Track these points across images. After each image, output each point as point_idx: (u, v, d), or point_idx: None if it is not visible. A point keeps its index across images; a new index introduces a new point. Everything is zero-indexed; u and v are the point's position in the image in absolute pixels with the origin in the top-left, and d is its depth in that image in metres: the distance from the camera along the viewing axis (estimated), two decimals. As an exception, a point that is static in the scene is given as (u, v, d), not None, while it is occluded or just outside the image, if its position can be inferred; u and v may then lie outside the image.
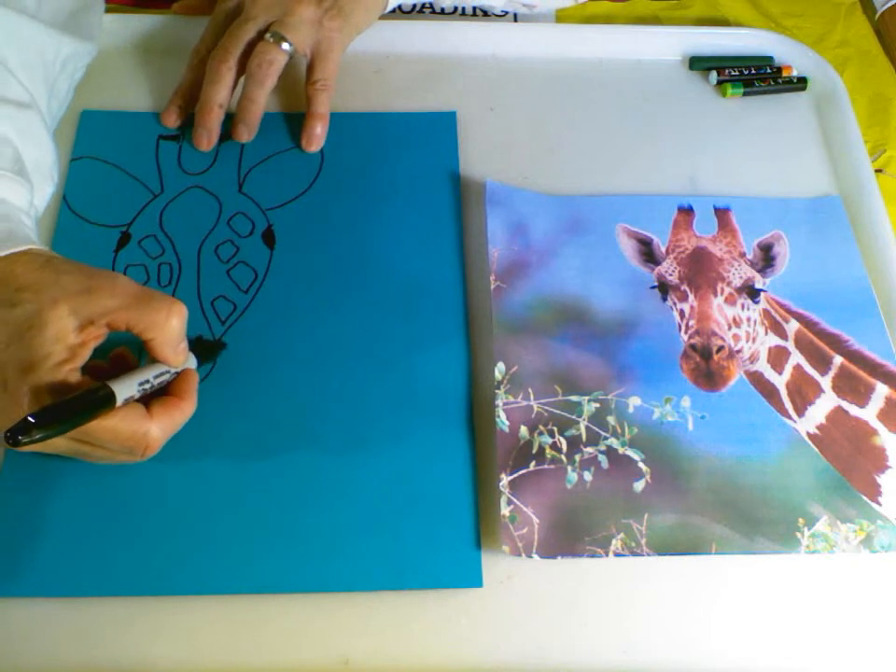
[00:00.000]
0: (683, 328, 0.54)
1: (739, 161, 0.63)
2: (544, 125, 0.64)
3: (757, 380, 0.53)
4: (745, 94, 0.66)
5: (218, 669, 0.43)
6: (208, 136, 0.59)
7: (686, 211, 0.59)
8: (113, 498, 0.46)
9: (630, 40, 0.68)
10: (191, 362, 0.46)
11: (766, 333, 0.54)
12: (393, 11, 0.64)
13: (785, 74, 0.67)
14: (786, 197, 0.61)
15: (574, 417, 0.50)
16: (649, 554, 0.46)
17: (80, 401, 0.39)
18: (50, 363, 0.40)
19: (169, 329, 0.43)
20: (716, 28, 0.72)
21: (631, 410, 0.51)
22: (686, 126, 0.65)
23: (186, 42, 0.61)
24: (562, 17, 0.72)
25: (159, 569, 0.45)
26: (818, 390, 0.52)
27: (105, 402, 0.40)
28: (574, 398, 0.51)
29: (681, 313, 0.55)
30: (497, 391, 0.50)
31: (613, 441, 0.50)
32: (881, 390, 0.52)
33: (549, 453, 0.49)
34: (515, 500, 0.47)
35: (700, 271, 0.56)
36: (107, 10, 0.63)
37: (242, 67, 0.58)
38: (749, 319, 0.54)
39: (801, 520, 0.48)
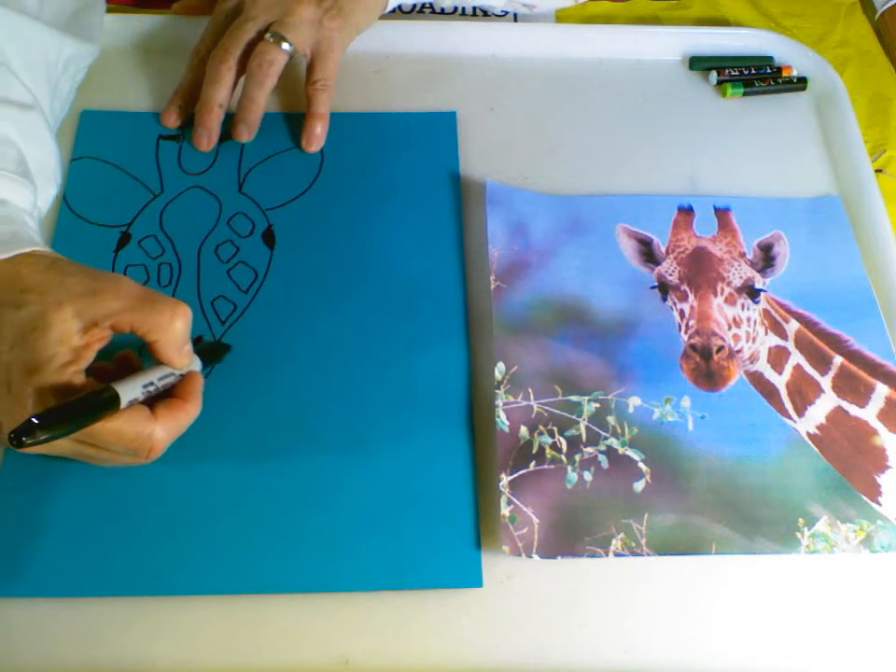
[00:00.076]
0: (683, 328, 0.54)
1: (739, 161, 0.63)
2: (544, 125, 0.64)
3: (757, 380, 0.53)
4: (745, 94, 0.66)
5: (218, 669, 0.43)
6: (208, 136, 0.59)
7: (686, 211, 0.59)
8: (113, 498, 0.46)
9: (630, 40, 0.68)
10: (196, 364, 0.46)
11: (766, 333, 0.54)
12: (393, 11, 0.64)
13: (785, 74, 0.67)
14: (786, 197, 0.61)
15: (574, 417, 0.50)
16: (649, 554, 0.46)
17: (84, 403, 0.39)
18: (55, 365, 0.40)
19: (173, 330, 0.43)
20: (716, 28, 0.72)
21: (631, 410, 0.51)
22: (686, 126, 0.65)
23: (186, 42, 0.61)
24: (562, 17, 0.72)
25: (159, 569, 0.45)
26: (818, 390, 0.52)
27: (109, 404, 0.40)
28: (574, 398, 0.51)
29: (681, 313, 0.55)
30: (496, 391, 0.50)
31: (613, 441, 0.50)
32: (881, 390, 0.52)
33: (549, 453, 0.49)
34: (515, 500, 0.47)
35: (700, 271, 0.56)
36: (107, 10, 0.63)
37: (242, 67, 0.58)
38: (748, 319, 0.54)
39: (801, 520, 0.48)
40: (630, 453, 0.49)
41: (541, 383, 0.51)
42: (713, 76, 0.67)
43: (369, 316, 0.53)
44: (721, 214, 0.59)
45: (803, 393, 0.52)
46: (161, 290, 0.53)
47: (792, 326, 0.55)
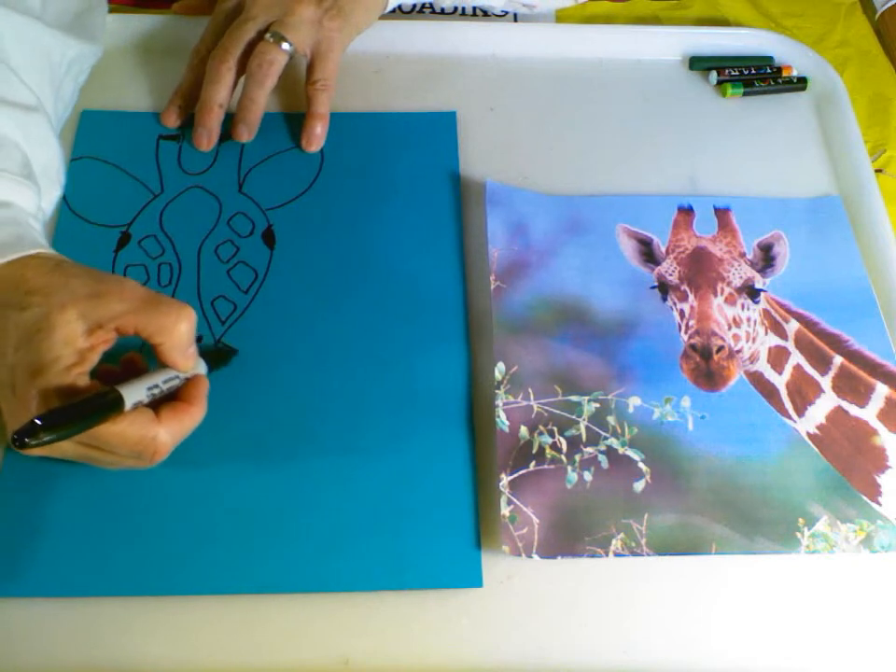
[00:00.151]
0: (683, 328, 0.54)
1: (739, 161, 0.63)
2: (544, 125, 0.64)
3: (757, 380, 0.53)
4: (745, 94, 0.66)
5: (218, 669, 0.43)
6: (208, 136, 0.59)
7: (686, 211, 0.59)
8: (113, 498, 0.46)
9: (630, 40, 0.68)
10: (202, 368, 0.46)
11: (766, 333, 0.54)
12: (393, 11, 0.64)
13: (785, 74, 0.67)
14: (786, 197, 0.61)
15: (574, 417, 0.50)
16: (649, 554, 0.46)
17: (88, 405, 0.39)
18: (59, 367, 0.40)
19: (178, 333, 0.42)
20: (716, 28, 0.72)
21: (631, 410, 0.51)
22: (686, 126, 0.65)
23: (186, 42, 0.61)
24: (562, 17, 0.72)
25: (158, 569, 0.45)
26: (818, 390, 0.52)
27: (113, 406, 0.40)
28: (574, 398, 0.51)
29: (681, 313, 0.55)
30: (496, 391, 0.50)
31: (613, 441, 0.50)
32: (881, 390, 0.52)
33: (549, 453, 0.49)
34: (515, 500, 0.47)
35: (700, 271, 0.56)
36: (108, 10, 0.63)
37: (242, 67, 0.58)
38: (749, 319, 0.54)
39: (801, 520, 0.48)
40: (630, 453, 0.49)
41: (541, 383, 0.51)
42: (713, 76, 0.67)
43: (369, 316, 0.53)
44: (721, 214, 0.59)
45: (803, 393, 0.52)
46: (160, 290, 0.53)
47: (792, 326, 0.55)
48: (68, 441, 0.40)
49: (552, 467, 0.48)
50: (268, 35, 0.57)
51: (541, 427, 0.50)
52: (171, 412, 0.43)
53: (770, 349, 0.54)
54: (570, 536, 0.46)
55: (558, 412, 0.50)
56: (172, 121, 0.60)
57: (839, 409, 0.52)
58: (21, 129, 0.49)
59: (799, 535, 0.47)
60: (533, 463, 0.48)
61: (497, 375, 0.51)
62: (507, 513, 0.47)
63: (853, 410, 0.52)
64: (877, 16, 0.75)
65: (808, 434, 0.51)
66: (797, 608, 0.47)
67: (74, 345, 0.40)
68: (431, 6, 0.71)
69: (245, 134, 0.59)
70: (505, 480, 0.48)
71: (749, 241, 0.58)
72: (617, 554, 0.46)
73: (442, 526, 0.47)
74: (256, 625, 0.44)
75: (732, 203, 0.60)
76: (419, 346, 0.52)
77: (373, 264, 0.55)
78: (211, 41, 0.59)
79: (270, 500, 0.47)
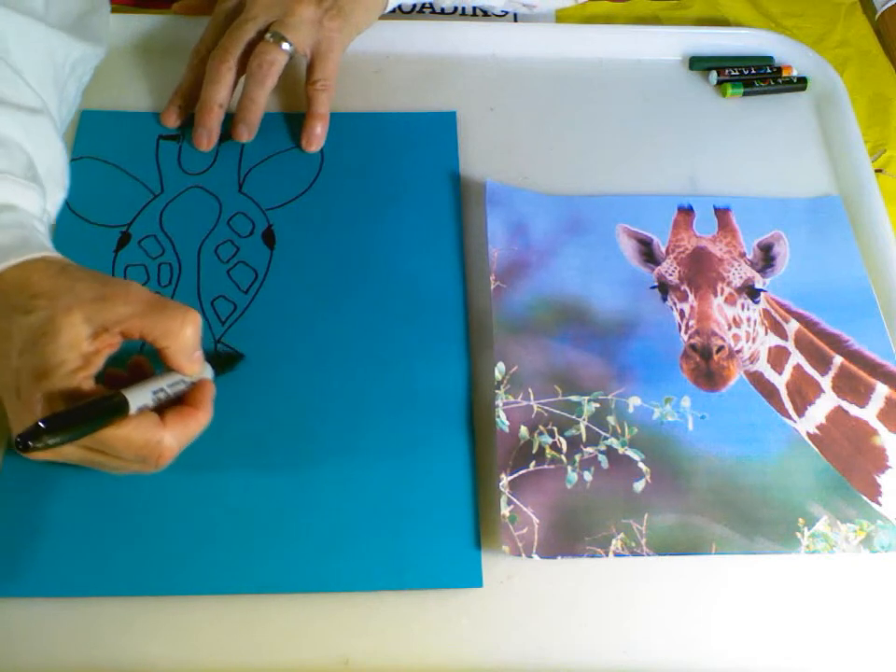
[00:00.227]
0: (683, 328, 0.54)
1: (739, 161, 0.63)
2: (544, 125, 0.64)
3: (757, 380, 0.53)
4: (745, 94, 0.66)
5: (218, 669, 0.43)
6: (208, 136, 0.59)
7: (686, 211, 0.59)
8: (113, 498, 0.46)
9: (630, 40, 0.68)
10: (208, 372, 0.46)
11: (766, 333, 0.54)
12: (393, 11, 0.64)
13: (785, 74, 0.67)
14: (786, 197, 0.61)
15: (574, 417, 0.50)
16: (649, 554, 0.46)
17: (93, 408, 0.39)
18: (64, 370, 0.40)
19: (183, 337, 0.42)
20: (716, 28, 0.72)
21: (631, 410, 0.51)
22: (686, 126, 0.65)
23: (186, 42, 0.61)
24: (562, 17, 0.72)
25: (158, 569, 0.45)
26: (818, 390, 0.52)
27: (117, 410, 0.40)
28: (574, 398, 0.51)
29: (681, 313, 0.55)
30: (497, 391, 0.50)
31: (613, 441, 0.50)
32: (881, 390, 0.52)
33: (549, 453, 0.49)
34: (515, 500, 0.47)
35: (700, 271, 0.56)
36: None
37: (242, 67, 0.58)
38: (749, 319, 0.54)
39: (801, 520, 0.48)
40: (630, 453, 0.49)
41: (541, 383, 0.51)
42: (713, 76, 0.67)
43: (369, 316, 0.53)
44: (721, 214, 0.59)
45: (803, 393, 0.52)
46: (160, 290, 0.53)
47: (792, 326, 0.54)
48: (72, 446, 0.40)
49: (552, 467, 0.48)
50: (268, 35, 0.57)
51: (541, 427, 0.50)
52: (176, 416, 0.43)
53: (770, 349, 0.54)
54: (570, 536, 0.46)
55: (558, 412, 0.50)
56: (172, 121, 0.60)
57: (839, 409, 0.52)
58: (26, 131, 0.49)
59: (799, 535, 0.47)
60: (533, 463, 0.48)
61: (497, 375, 0.51)
62: (507, 513, 0.47)
63: (853, 410, 0.52)
64: (877, 16, 0.75)
65: (808, 434, 0.51)
66: (797, 608, 0.47)
67: (79, 349, 0.40)
68: (431, 6, 0.71)
69: (245, 134, 0.59)
70: (505, 480, 0.48)
71: (749, 241, 0.58)
72: (617, 554, 0.46)
73: (442, 526, 0.47)
74: (256, 625, 0.44)
75: (732, 203, 0.60)
76: (419, 346, 0.52)
77: (373, 264, 0.55)
78: (211, 41, 0.59)
79: (270, 500, 0.47)
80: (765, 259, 0.57)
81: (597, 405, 0.51)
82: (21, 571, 0.44)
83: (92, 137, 0.59)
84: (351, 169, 0.59)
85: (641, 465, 0.49)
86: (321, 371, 0.51)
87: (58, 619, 0.44)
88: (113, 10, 0.64)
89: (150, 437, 0.41)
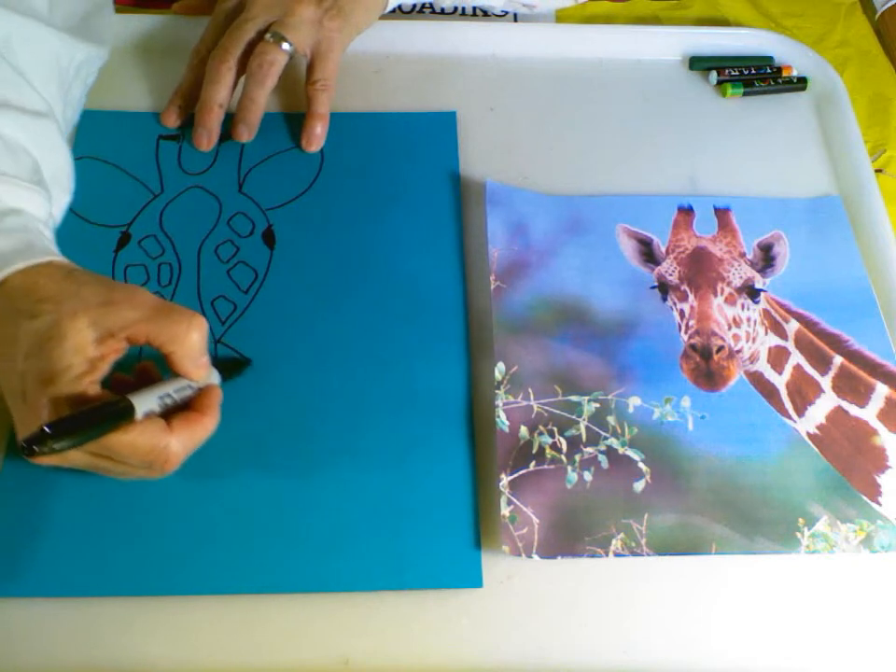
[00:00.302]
0: (683, 328, 0.54)
1: (739, 161, 0.63)
2: (544, 125, 0.64)
3: (757, 380, 0.53)
4: (745, 94, 0.66)
5: (218, 669, 0.43)
6: (208, 136, 0.59)
7: (686, 211, 0.59)
8: (112, 498, 0.46)
9: (630, 40, 0.68)
10: (215, 378, 0.46)
11: (766, 333, 0.54)
12: (393, 11, 0.64)
13: (785, 74, 0.67)
14: (786, 197, 0.61)
15: (574, 417, 0.50)
16: (649, 554, 0.46)
17: (98, 413, 0.39)
18: (70, 375, 0.39)
19: (189, 342, 0.42)
20: (716, 28, 0.72)
21: (631, 410, 0.51)
22: (686, 126, 0.65)
23: (186, 42, 0.61)
24: (562, 17, 0.72)
25: (158, 569, 0.45)
26: (818, 390, 0.52)
27: (123, 415, 0.40)
28: (574, 398, 0.51)
29: (681, 313, 0.55)
30: (497, 391, 0.50)
31: (613, 441, 0.50)
32: (881, 390, 0.52)
33: (549, 453, 0.49)
34: (515, 500, 0.47)
35: (700, 271, 0.56)
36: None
37: (242, 67, 0.58)
38: (749, 319, 0.54)
39: (801, 520, 0.48)
40: (630, 453, 0.49)
41: (541, 383, 0.51)
42: (713, 76, 0.67)
43: (369, 316, 0.53)
44: (721, 214, 0.59)
45: (803, 393, 0.52)
46: (160, 291, 0.53)
47: (792, 326, 0.54)
48: (78, 451, 0.39)
49: (552, 467, 0.48)
50: (268, 35, 0.57)
51: (541, 427, 0.50)
52: (183, 421, 0.42)
53: (770, 349, 0.54)
54: (570, 536, 0.46)
55: (558, 412, 0.50)
56: (172, 121, 0.60)
57: (839, 409, 0.52)
58: (31, 135, 0.49)
59: (799, 535, 0.47)
60: (533, 463, 0.48)
61: (497, 375, 0.51)
62: (507, 513, 0.47)
63: (853, 410, 0.52)
64: (877, 16, 0.75)
65: (808, 434, 0.51)
66: (797, 608, 0.47)
67: (85, 354, 0.40)
68: (431, 6, 0.71)
69: (245, 134, 0.59)
70: (505, 480, 0.48)
71: (749, 241, 0.58)
72: (617, 554, 0.46)
73: (442, 526, 0.47)
74: (256, 625, 0.44)
75: (732, 203, 0.60)
76: (419, 346, 0.52)
77: (373, 264, 0.55)
78: (211, 41, 0.59)
79: (270, 500, 0.47)
80: (765, 259, 0.57)
81: (597, 405, 0.51)
82: (21, 571, 0.44)
83: (92, 137, 0.59)
84: (351, 169, 0.59)
85: (641, 465, 0.49)
86: (321, 370, 0.51)
87: (58, 619, 0.44)
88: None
89: (156, 442, 0.41)
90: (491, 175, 0.59)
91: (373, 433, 0.49)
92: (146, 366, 0.45)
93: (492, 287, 0.54)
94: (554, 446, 0.49)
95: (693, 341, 0.53)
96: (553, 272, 0.56)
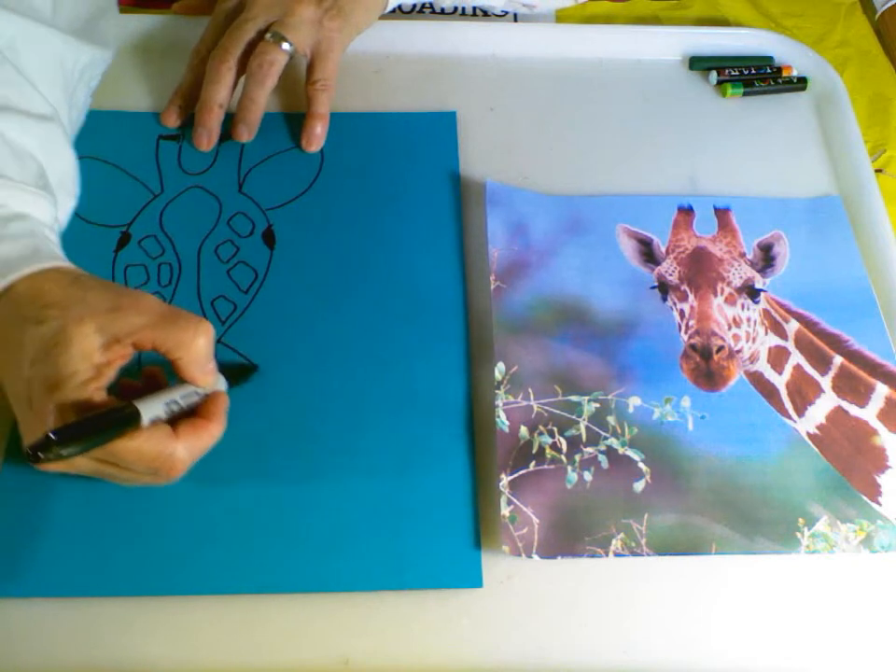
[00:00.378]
0: (683, 328, 0.54)
1: (739, 161, 0.63)
2: (544, 125, 0.64)
3: (757, 380, 0.53)
4: (745, 94, 0.66)
5: (218, 669, 0.43)
6: (208, 136, 0.59)
7: (686, 211, 0.59)
8: (112, 498, 0.46)
9: (630, 40, 0.68)
10: (221, 384, 0.46)
11: (766, 333, 0.54)
12: (393, 11, 0.64)
13: (785, 74, 0.67)
14: (786, 197, 0.61)
15: (574, 417, 0.50)
16: (649, 554, 0.46)
17: (104, 420, 0.39)
18: (76, 381, 0.39)
19: (196, 348, 0.42)
20: (716, 28, 0.72)
21: (631, 410, 0.51)
22: (686, 126, 0.65)
23: (186, 42, 0.61)
24: (562, 17, 0.72)
25: (158, 569, 0.45)
26: (818, 390, 0.52)
27: (129, 421, 0.40)
28: (574, 398, 0.51)
29: (681, 313, 0.55)
30: (497, 391, 0.50)
31: (613, 441, 0.50)
32: (881, 390, 0.52)
33: (549, 453, 0.49)
34: (515, 500, 0.47)
35: (700, 271, 0.56)
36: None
37: (242, 67, 0.58)
38: (749, 319, 0.54)
39: (801, 520, 0.48)
40: (630, 453, 0.49)
41: (541, 383, 0.51)
42: (713, 76, 0.67)
43: (369, 316, 0.53)
44: (721, 214, 0.59)
45: (803, 393, 0.52)
46: (160, 291, 0.53)
47: (792, 326, 0.54)
48: (84, 457, 0.39)
49: (552, 467, 0.48)
50: (268, 35, 0.57)
51: (541, 427, 0.50)
52: (189, 428, 0.42)
53: (770, 349, 0.54)
54: (570, 536, 0.46)
55: (558, 412, 0.50)
56: (172, 121, 0.60)
57: (839, 409, 0.52)
58: (37, 139, 0.48)
59: (799, 535, 0.47)
60: (533, 463, 0.48)
61: (497, 375, 0.51)
62: (507, 513, 0.47)
63: (853, 410, 0.52)
64: (877, 16, 0.75)
65: (808, 434, 0.51)
66: (797, 608, 0.47)
67: (91, 360, 0.40)
68: (431, 6, 0.71)
69: (245, 134, 0.59)
70: (505, 480, 0.48)
71: (749, 241, 0.58)
72: (617, 554, 0.46)
73: (442, 527, 0.47)
74: (256, 625, 0.44)
75: (732, 202, 0.60)
76: (419, 346, 0.52)
77: (373, 264, 0.55)
78: (211, 41, 0.59)
79: (270, 500, 0.47)
80: (765, 259, 0.57)
81: (597, 405, 0.51)
82: (21, 571, 0.44)
83: (92, 137, 0.59)
84: (351, 169, 0.59)
85: (641, 465, 0.49)
86: (321, 370, 0.51)
87: (58, 619, 0.44)
88: (113, 10, 0.64)
89: (162, 449, 0.41)
90: (491, 174, 0.59)
91: (373, 433, 0.49)
92: (153, 371, 0.45)
93: (492, 286, 0.54)
94: (554, 446, 0.49)
95: (693, 341, 0.53)
96: (553, 272, 0.56)
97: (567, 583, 0.46)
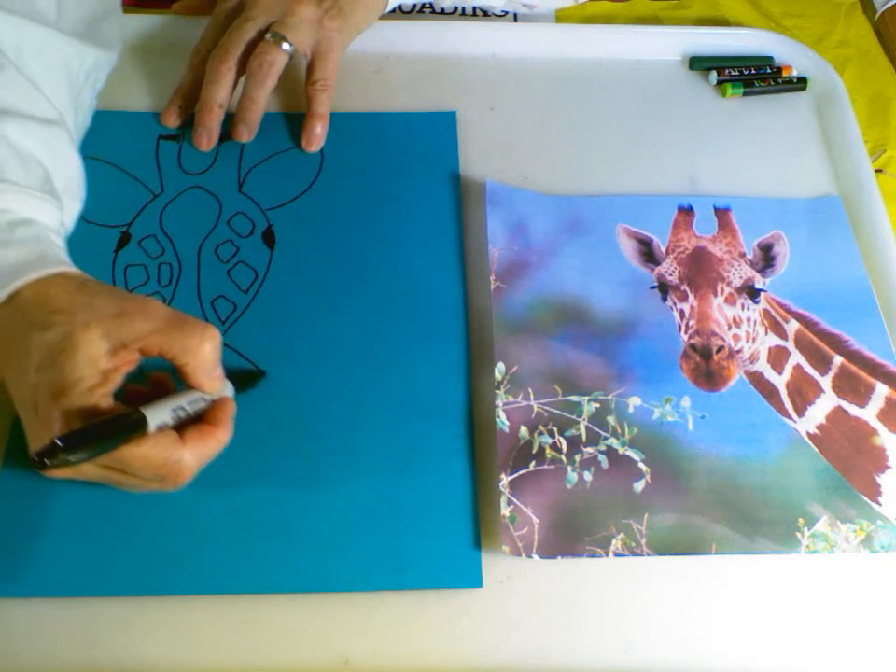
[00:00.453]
0: (683, 328, 0.54)
1: (739, 161, 0.63)
2: (544, 125, 0.64)
3: (757, 380, 0.53)
4: (745, 94, 0.66)
5: (218, 669, 0.43)
6: (208, 136, 0.59)
7: (686, 211, 0.59)
8: (113, 498, 0.46)
9: (630, 40, 0.68)
10: (228, 390, 0.45)
11: (766, 333, 0.54)
12: (393, 11, 0.64)
13: (785, 74, 0.67)
14: (786, 197, 0.61)
15: (574, 417, 0.50)
16: (649, 554, 0.46)
17: (110, 426, 0.39)
18: (82, 387, 0.39)
19: (202, 353, 0.42)
20: (716, 28, 0.72)
21: (631, 410, 0.51)
22: (686, 126, 0.65)
23: (186, 42, 0.61)
24: (562, 17, 0.72)
25: (158, 569, 0.45)
26: (818, 390, 0.52)
27: (136, 427, 0.39)
28: (574, 398, 0.51)
29: (681, 313, 0.55)
30: (497, 391, 0.50)
31: (613, 441, 0.50)
32: (881, 390, 0.52)
33: (549, 453, 0.49)
34: (515, 500, 0.47)
35: (700, 271, 0.56)
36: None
37: (242, 67, 0.58)
38: (749, 319, 0.54)
39: (801, 520, 0.48)
40: (630, 453, 0.49)
41: (541, 383, 0.51)
42: (713, 76, 0.67)
43: (369, 316, 0.53)
44: (721, 214, 0.59)
45: (803, 393, 0.52)
46: (160, 291, 0.53)
47: (792, 326, 0.54)
48: (90, 464, 0.39)
49: (552, 467, 0.48)
50: (268, 35, 0.57)
51: (541, 427, 0.50)
52: (196, 434, 0.42)
53: (770, 349, 0.54)
54: (570, 536, 0.46)
55: (558, 412, 0.50)
56: (172, 121, 0.60)
57: (839, 409, 0.52)
58: (43, 144, 0.48)
59: (799, 535, 0.47)
60: (533, 463, 0.48)
61: (497, 375, 0.51)
62: (507, 513, 0.47)
63: (853, 410, 0.52)
64: (877, 16, 0.75)
65: (808, 434, 0.51)
66: (797, 608, 0.47)
67: (97, 366, 0.40)
68: (431, 6, 0.71)
69: (245, 134, 0.59)
70: (505, 480, 0.48)
71: (749, 241, 0.58)
72: (617, 554, 0.46)
73: (442, 527, 0.47)
74: (256, 625, 0.44)
75: (732, 202, 0.60)
76: (419, 346, 0.52)
77: (373, 264, 0.55)
78: (211, 41, 0.59)
79: (270, 500, 0.47)
80: (765, 259, 0.57)
81: (597, 405, 0.51)
82: (21, 571, 0.44)
83: (92, 137, 0.59)
84: (351, 169, 0.59)
85: (641, 465, 0.49)
86: (321, 370, 0.51)
87: (58, 619, 0.44)
88: (114, 11, 0.64)
89: (169, 455, 0.41)
90: (491, 175, 0.59)
91: (373, 433, 0.49)
92: (160, 377, 0.45)
93: (492, 286, 0.54)
94: (554, 446, 0.49)
95: (693, 341, 0.53)
96: (553, 272, 0.56)
97: (567, 583, 0.46)
